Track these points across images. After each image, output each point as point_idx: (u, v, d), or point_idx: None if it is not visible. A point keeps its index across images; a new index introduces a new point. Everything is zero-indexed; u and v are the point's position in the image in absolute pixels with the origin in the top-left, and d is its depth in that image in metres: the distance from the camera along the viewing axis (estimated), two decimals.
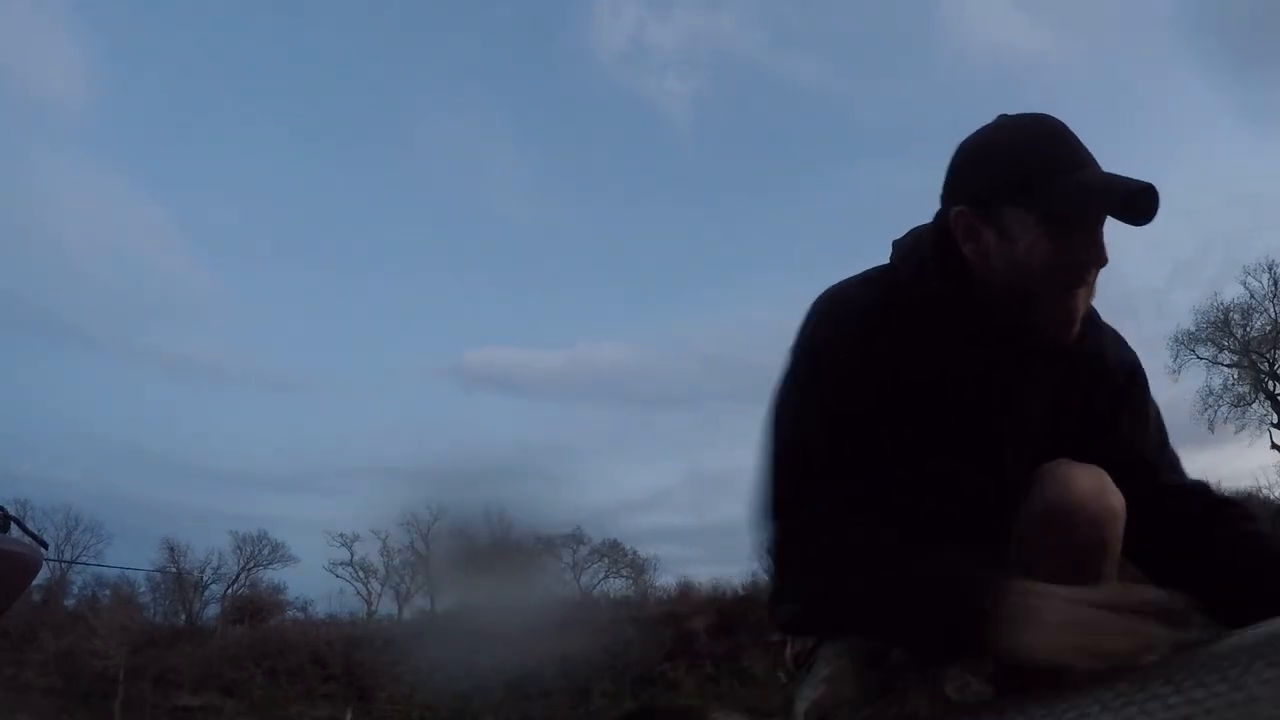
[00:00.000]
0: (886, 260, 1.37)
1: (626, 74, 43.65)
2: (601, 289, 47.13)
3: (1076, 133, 1.23)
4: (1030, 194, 1.18)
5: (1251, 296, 24.74)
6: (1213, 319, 25.08)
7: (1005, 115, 1.28)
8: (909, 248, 1.34)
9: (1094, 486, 1.22)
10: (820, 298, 1.32)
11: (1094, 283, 1.24)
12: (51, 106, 42.48)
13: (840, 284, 1.33)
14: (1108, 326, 1.41)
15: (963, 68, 42.99)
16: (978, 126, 1.29)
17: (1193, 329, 25.30)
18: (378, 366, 47.39)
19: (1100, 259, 1.20)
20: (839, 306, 1.30)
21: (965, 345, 1.27)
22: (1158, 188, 1.14)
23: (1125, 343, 1.42)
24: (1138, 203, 1.17)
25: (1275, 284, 24.41)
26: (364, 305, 47.35)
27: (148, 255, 44.14)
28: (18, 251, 40.24)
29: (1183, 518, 1.34)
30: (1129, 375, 1.39)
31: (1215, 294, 25.48)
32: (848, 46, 44.62)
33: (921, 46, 46.85)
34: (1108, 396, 1.35)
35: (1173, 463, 1.41)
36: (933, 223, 1.32)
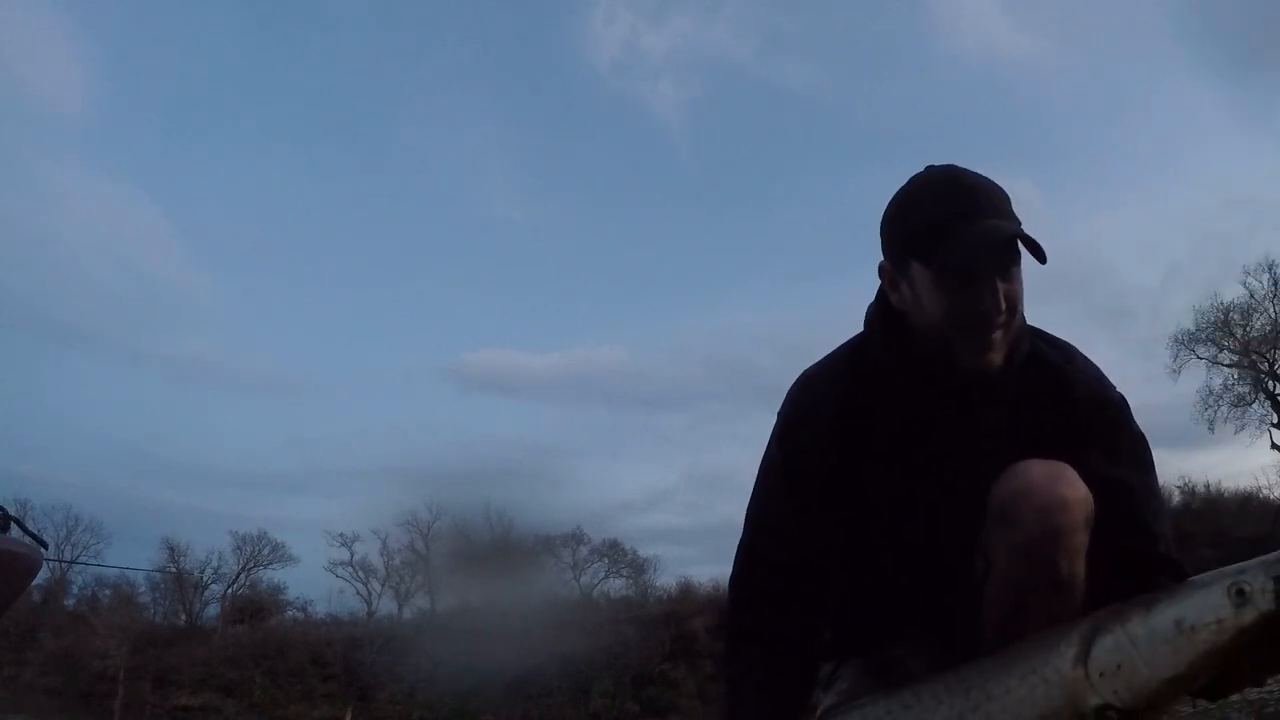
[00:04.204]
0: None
1: (621, 81, 43.73)
2: (599, 292, 47.16)
3: (982, 180, 1.30)
4: (925, 250, 1.27)
5: (1251, 296, 24.76)
6: (1213, 319, 25.09)
7: (931, 166, 1.35)
8: (869, 311, 1.45)
9: (1046, 475, 1.24)
10: (797, 378, 1.47)
11: (1009, 322, 1.28)
12: (55, 113, 42.58)
13: (816, 363, 1.48)
14: (1083, 363, 1.41)
15: (957, 73, 43.05)
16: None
17: (1193, 329, 25.32)
18: (378, 368, 47.41)
19: (998, 306, 1.25)
20: (805, 387, 1.46)
21: (912, 398, 1.35)
22: (1030, 234, 1.22)
23: (1100, 379, 1.41)
24: (1003, 253, 1.24)
25: (1275, 284, 24.42)
26: (364, 308, 47.43)
27: (149, 259, 44.23)
28: (19, 254, 40.34)
29: (1116, 567, 1.28)
30: (1094, 410, 1.36)
31: (1215, 294, 25.45)
32: (840, 53, 44.68)
33: (915, 52, 46.92)
34: (1074, 427, 1.33)
35: (1145, 521, 1.32)
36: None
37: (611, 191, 48.88)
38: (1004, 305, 1.25)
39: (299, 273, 49.90)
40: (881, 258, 1.37)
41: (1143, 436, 1.39)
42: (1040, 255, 1.23)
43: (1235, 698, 1.15)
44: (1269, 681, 1.15)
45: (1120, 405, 1.38)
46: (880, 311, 1.39)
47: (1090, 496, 1.23)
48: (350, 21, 43.49)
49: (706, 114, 44.00)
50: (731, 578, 1.49)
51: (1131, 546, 1.29)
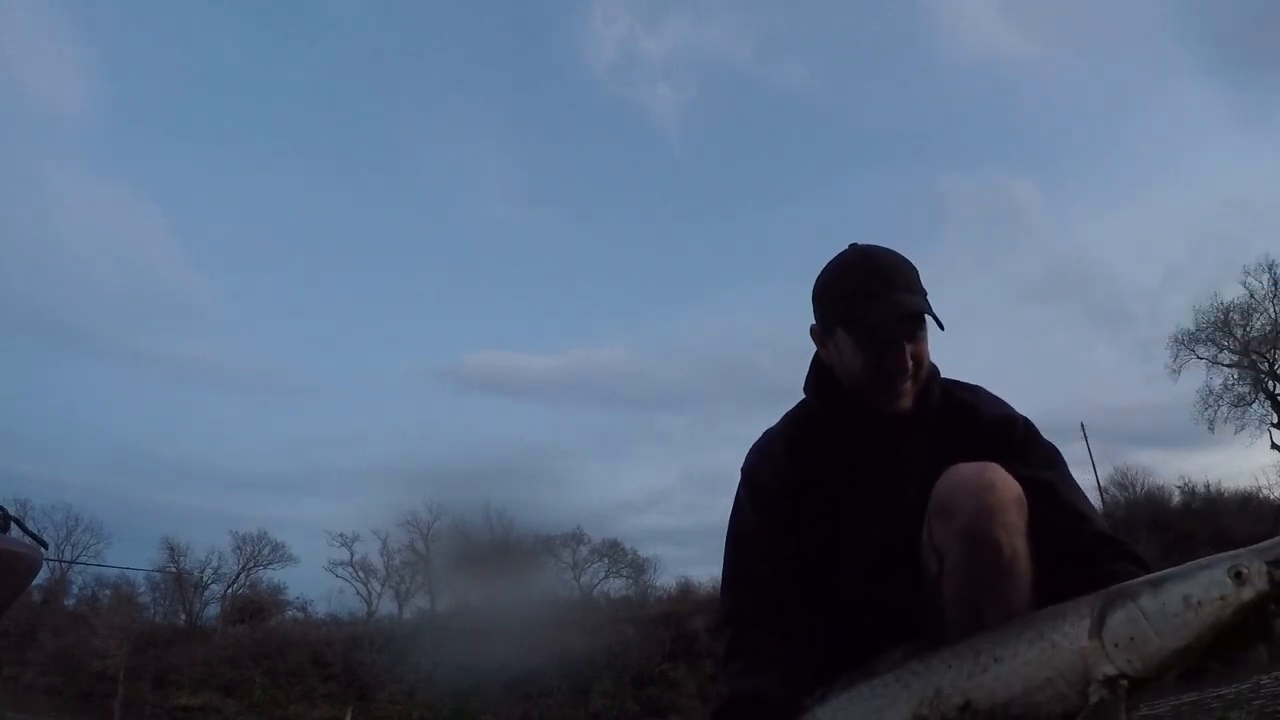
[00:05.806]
0: None
1: (620, 82, 43.78)
2: (598, 292, 47.21)
3: (895, 259, 1.57)
4: (847, 319, 1.55)
5: (1251, 296, 24.77)
6: (1213, 319, 25.09)
7: (854, 245, 1.61)
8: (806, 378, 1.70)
9: (974, 468, 1.42)
10: (759, 438, 1.74)
11: (916, 374, 1.55)
12: (55, 114, 42.55)
13: (774, 424, 1.74)
14: (989, 396, 1.68)
15: (957, 73, 43.06)
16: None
17: (1193, 329, 25.33)
18: (378, 369, 47.41)
19: (904, 364, 1.52)
20: (761, 444, 1.74)
21: (844, 442, 1.60)
22: (931, 308, 1.49)
23: (1006, 406, 1.67)
24: (910, 323, 1.51)
25: (1275, 284, 24.42)
26: (364, 309, 47.47)
27: (149, 259, 44.21)
28: (19, 255, 40.34)
29: (1066, 552, 1.45)
30: (1005, 429, 1.60)
31: (1215, 294, 25.46)
32: (839, 54, 44.71)
33: (914, 52, 46.92)
34: (988, 447, 1.53)
35: (1075, 506, 1.53)
36: None
37: (610, 192, 49.10)
38: (910, 363, 1.52)
39: (299, 273, 50.01)
40: (813, 322, 1.65)
41: (1053, 445, 1.63)
42: (940, 324, 1.51)
43: (1232, 693, 1.19)
44: (1267, 681, 1.19)
45: (1026, 422, 1.63)
46: (813, 369, 1.68)
47: (1018, 484, 1.40)
48: (350, 22, 43.57)
49: (705, 115, 44.15)
50: (720, 596, 1.70)
51: (1070, 528, 1.49)
